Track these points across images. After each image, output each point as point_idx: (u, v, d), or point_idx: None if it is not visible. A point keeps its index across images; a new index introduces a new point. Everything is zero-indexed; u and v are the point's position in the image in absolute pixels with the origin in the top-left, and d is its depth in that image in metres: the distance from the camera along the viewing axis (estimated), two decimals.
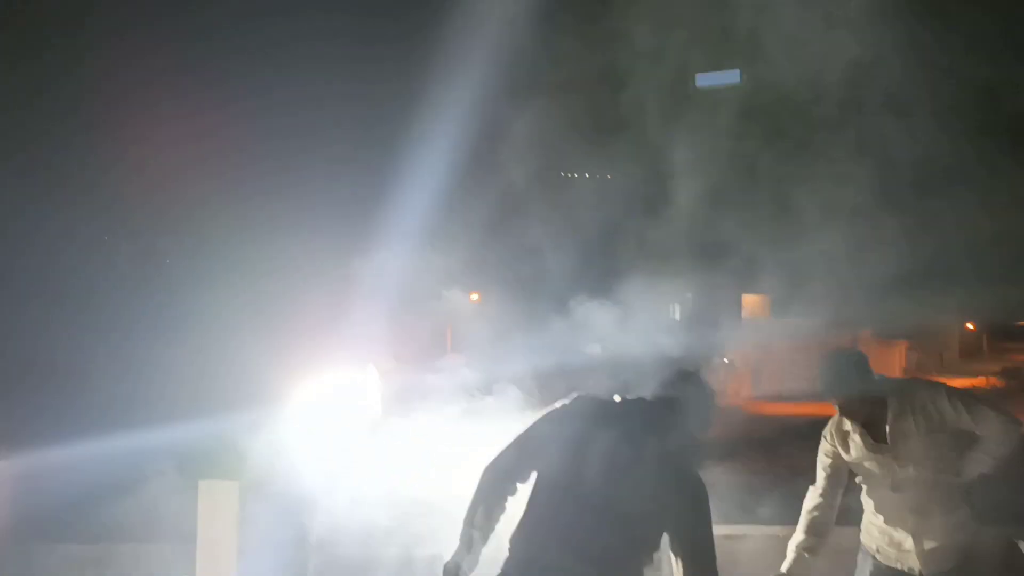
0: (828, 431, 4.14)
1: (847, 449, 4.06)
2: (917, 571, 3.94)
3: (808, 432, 5.24)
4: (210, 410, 5.18)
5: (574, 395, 3.41)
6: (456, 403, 4.06)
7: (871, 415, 3.94)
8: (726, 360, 15.89)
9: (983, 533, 4.11)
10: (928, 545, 3.92)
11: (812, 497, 4.18)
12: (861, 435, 3.99)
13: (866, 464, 4.02)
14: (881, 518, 4.06)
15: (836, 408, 4.00)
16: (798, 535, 4.13)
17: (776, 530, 4.61)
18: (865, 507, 4.17)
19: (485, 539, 3.23)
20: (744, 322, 18.27)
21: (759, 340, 16.94)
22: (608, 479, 3.16)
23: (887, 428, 3.92)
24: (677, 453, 3.23)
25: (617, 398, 3.42)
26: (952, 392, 4.05)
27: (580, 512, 3.15)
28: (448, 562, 3.21)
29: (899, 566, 4.00)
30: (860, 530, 4.20)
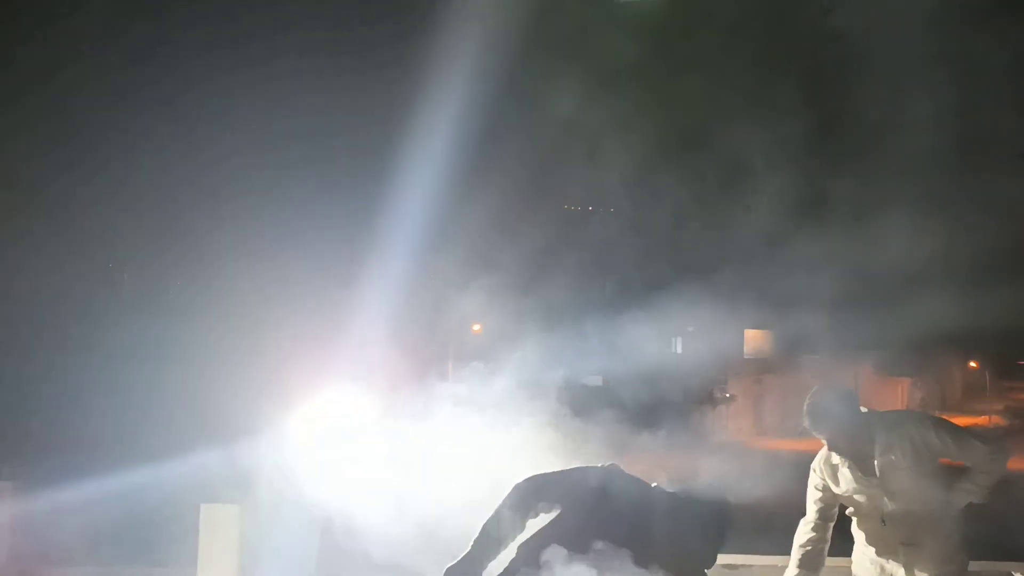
0: (817, 464, 4.15)
1: (836, 482, 4.07)
2: None
3: (809, 467, 5.25)
4: (210, 434, 5.22)
5: (612, 463, 3.58)
6: (458, 422, 4.10)
7: (859, 449, 3.96)
8: (728, 395, 15.87)
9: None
10: (918, 572, 3.94)
11: (803, 531, 4.19)
12: (850, 468, 4.01)
13: (856, 497, 4.03)
14: (872, 550, 4.07)
15: (824, 443, 4.03)
16: (791, 570, 4.14)
17: (777, 560, 4.62)
18: (856, 539, 4.18)
19: (498, 551, 3.28)
20: (746, 357, 18.27)
21: (761, 375, 16.94)
22: (627, 541, 3.33)
23: (875, 461, 3.94)
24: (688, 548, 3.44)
25: (654, 483, 3.60)
26: (938, 423, 4.08)
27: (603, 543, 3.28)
28: (453, 567, 3.27)
29: None
30: (852, 562, 4.23)
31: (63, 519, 5.45)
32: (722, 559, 4.71)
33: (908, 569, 3.96)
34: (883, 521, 3.98)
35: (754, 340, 18.67)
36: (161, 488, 5.37)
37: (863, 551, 4.15)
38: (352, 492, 4.52)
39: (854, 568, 4.21)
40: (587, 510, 3.39)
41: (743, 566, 4.64)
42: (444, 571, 3.28)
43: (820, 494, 4.14)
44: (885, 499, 3.95)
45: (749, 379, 16.97)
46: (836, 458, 4.04)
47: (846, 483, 4.04)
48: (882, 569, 4.04)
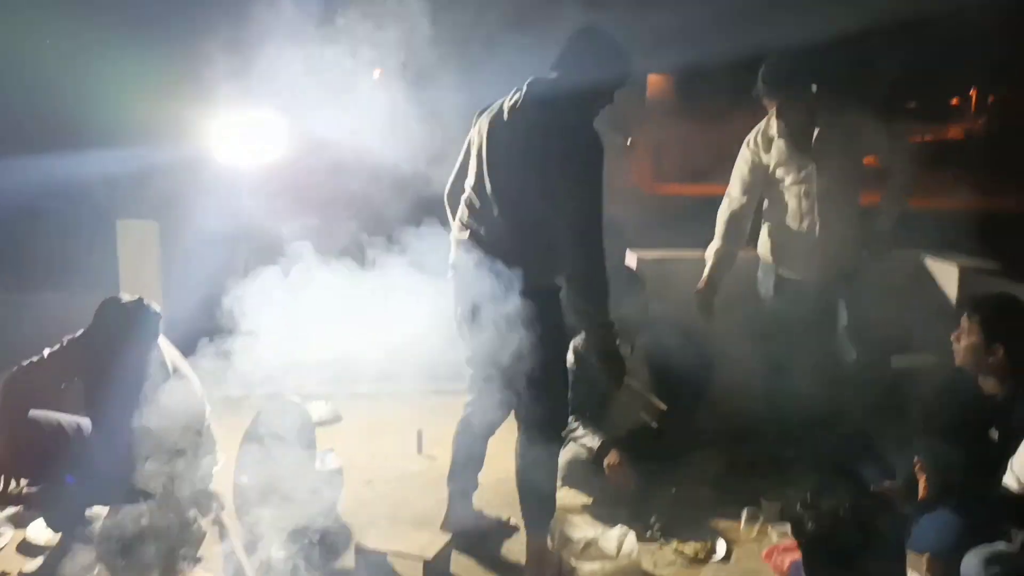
0: (751, 138, 4.26)
1: (769, 154, 4.19)
2: (816, 278, 4.20)
3: (707, 210, 5.35)
4: (125, 144, 4.89)
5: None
6: None
7: (803, 121, 4.06)
8: (628, 141, 15.91)
9: None
10: (829, 253, 4.16)
11: (727, 205, 4.35)
12: (786, 141, 4.11)
13: (783, 170, 4.17)
14: (787, 230, 4.25)
15: (772, 110, 4.08)
16: (715, 241, 4.32)
17: (701, 252, 4.77)
18: (769, 222, 4.35)
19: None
20: (648, 102, 18.22)
21: (663, 121, 16.98)
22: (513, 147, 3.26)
23: (814, 136, 4.05)
24: (571, 111, 3.20)
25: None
26: (877, 117, 4.25)
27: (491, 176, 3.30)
28: None
29: (800, 277, 4.24)
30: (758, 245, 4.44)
31: None
32: (651, 254, 4.86)
33: (820, 247, 4.17)
34: (804, 196, 4.15)
35: (657, 85, 18.58)
36: (74, 204, 5.08)
37: (774, 234, 4.33)
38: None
39: (761, 251, 4.41)
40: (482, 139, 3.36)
41: (673, 260, 4.77)
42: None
43: (748, 168, 4.27)
44: (813, 174, 4.09)
45: (651, 125, 16.99)
46: (774, 130, 4.13)
47: (779, 155, 4.16)
48: (793, 251, 4.26)
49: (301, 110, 4.65)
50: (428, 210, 3.64)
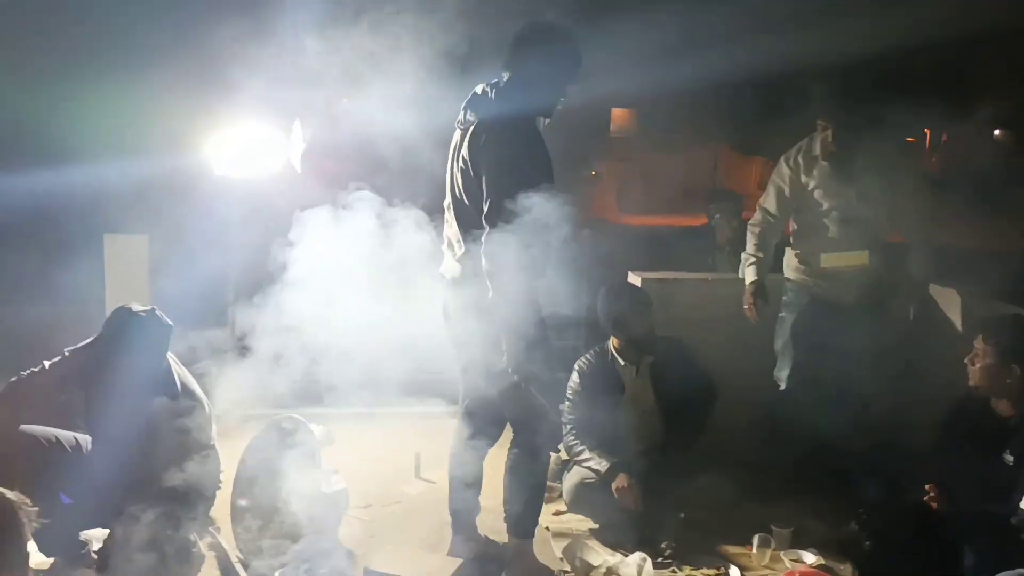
0: (792, 156, 4.27)
1: (811, 175, 4.19)
2: (852, 297, 4.22)
3: (672, 241, 5.33)
4: (116, 156, 4.72)
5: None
6: None
7: (852, 146, 4.08)
8: (593, 173, 16.03)
9: None
10: (862, 273, 4.20)
11: (761, 219, 4.35)
12: (830, 162, 4.12)
13: (820, 192, 4.17)
14: (820, 252, 4.27)
15: (829, 130, 4.08)
16: (752, 250, 4.33)
17: (706, 274, 4.75)
18: (800, 244, 4.36)
19: None
20: (612, 136, 18.40)
21: (626, 154, 17.16)
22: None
23: (859, 159, 4.08)
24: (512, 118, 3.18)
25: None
26: (906, 153, 4.35)
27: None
28: None
29: (835, 298, 4.26)
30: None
31: None
32: (654, 275, 4.83)
33: (853, 268, 4.20)
34: (842, 219, 4.18)
35: (620, 119, 18.77)
36: (62, 218, 4.88)
37: (809, 258, 4.34)
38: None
39: (790, 274, 4.43)
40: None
41: (675, 280, 4.74)
42: None
43: (785, 186, 4.27)
44: (853, 197, 4.12)
45: (614, 157, 17.17)
46: (818, 150, 4.14)
47: (821, 176, 4.17)
48: (825, 271, 4.27)
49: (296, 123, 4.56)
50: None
